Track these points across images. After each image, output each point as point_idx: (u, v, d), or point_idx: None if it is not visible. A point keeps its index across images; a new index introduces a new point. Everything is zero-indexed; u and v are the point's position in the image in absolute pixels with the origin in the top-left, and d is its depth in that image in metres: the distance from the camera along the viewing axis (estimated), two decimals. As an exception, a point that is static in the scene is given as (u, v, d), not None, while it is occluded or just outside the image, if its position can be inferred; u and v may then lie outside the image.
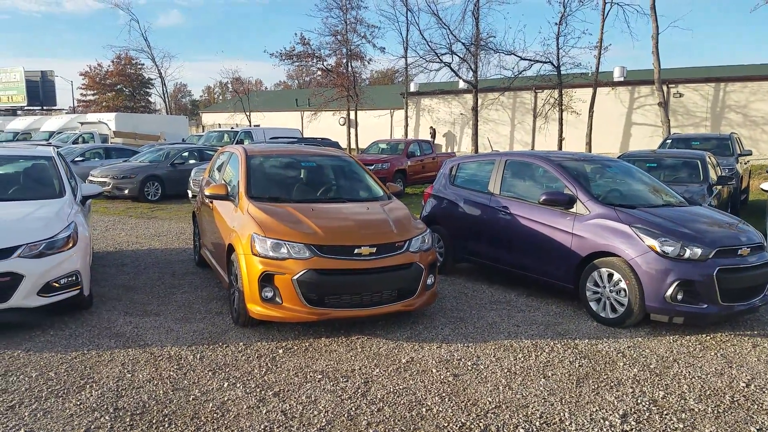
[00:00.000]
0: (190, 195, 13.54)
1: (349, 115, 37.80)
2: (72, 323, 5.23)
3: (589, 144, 27.99)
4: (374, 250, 4.92)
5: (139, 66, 56.79)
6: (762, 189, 8.68)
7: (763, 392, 3.95)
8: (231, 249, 5.35)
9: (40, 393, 3.86)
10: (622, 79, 31.58)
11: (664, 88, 26.02)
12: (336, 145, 17.01)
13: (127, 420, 3.51)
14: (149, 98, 60.02)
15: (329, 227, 5.04)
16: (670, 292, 4.93)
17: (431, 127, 36.34)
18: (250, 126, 43.98)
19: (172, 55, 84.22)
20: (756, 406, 3.73)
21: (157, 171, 15.45)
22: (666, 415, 3.61)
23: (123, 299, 6.05)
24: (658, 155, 10.20)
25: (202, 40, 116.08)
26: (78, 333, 5.01)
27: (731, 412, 3.65)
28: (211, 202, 6.39)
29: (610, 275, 5.33)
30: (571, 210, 5.75)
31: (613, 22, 68.46)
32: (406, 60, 33.99)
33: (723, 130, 28.73)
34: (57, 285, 4.97)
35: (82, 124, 28.40)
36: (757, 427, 3.45)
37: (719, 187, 9.42)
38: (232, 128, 23.47)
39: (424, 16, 43.59)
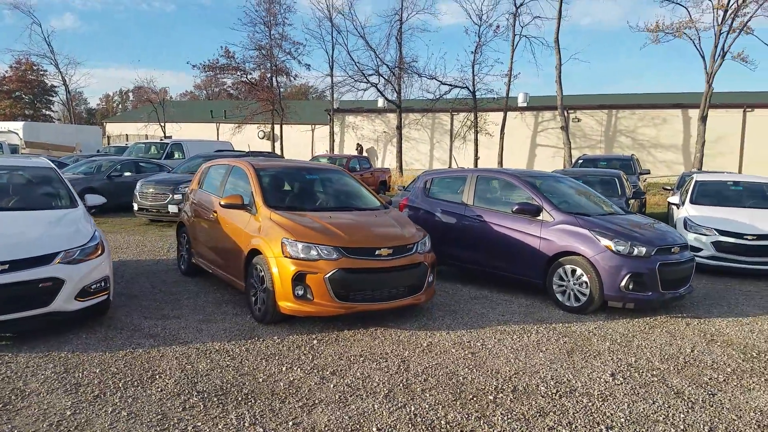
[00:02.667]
0: (135, 208, 13.45)
1: (273, 129, 37.96)
2: (99, 327, 5.50)
3: (500, 163, 30.23)
4: (391, 251, 5.70)
5: (41, 72, 53.19)
6: (669, 202, 10.38)
7: (704, 355, 5.14)
8: (253, 254, 5.89)
9: (115, 384, 4.23)
10: (525, 104, 34.37)
11: (566, 113, 28.74)
12: (280, 158, 17.44)
13: (215, 399, 4.02)
14: (51, 106, 56.20)
15: (352, 232, 5.76)
16: (624, 282, 6.12)
17: (358, 144, 37.38)
18: (164, 137, 42.83)
19: (77, 61, 79.27)
20: (702, 364, 4.91)
21: (93, 183, 15.03)
22: (642, 372, 4.68)
23: (131, 305, 6.32)
24: (583, 173, 11.75)
25: (98, 46, 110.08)
26: (111, 335, 5.31)
27: (687, 368, 4.79)
28: (215, 213, 6.85)
29: (573, 271, 6.45)
30: (538, 218, 6.84)
31: (521, 53, 73.32)
32: (332, 78, 34.91)
33: (615, 151, 32.18)
34: (91, 290, 5.25)
35: (-14, 133, 26.43)
36: (707, 378, 4.60)
37: (632, 200, 11.09)
38: (161, 139, 22.97)
39: (351, 38, 45.03)
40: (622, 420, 3.82)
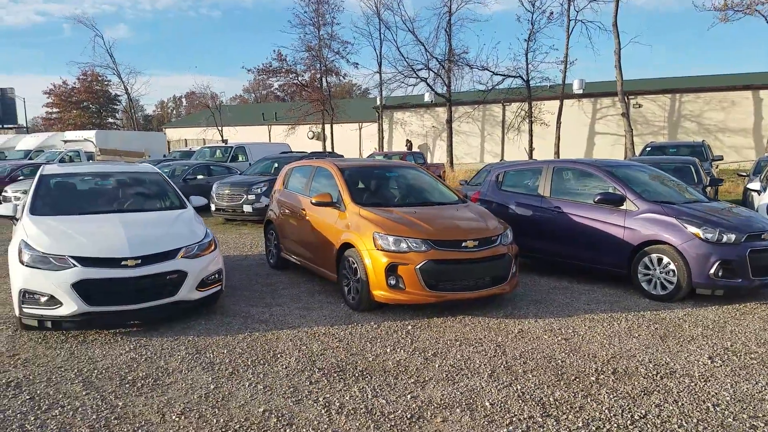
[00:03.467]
0: (213, 208, 14.19)
1: (324, 128, 38.73)
2: (214, 315, 6.03)
3: (557, 153, 29.75)
4: (476, 243, 5.97)
5: (105, 82, 56.10)
6: (748, 188, 10.15)
7: (801, 340, 5.18)
8: (345, 247, 6.29)
9: (245, 362, 4.70)
10: (581, 91, 33.61)
11: (626, 99, 28.00)
12: (341, 157, 17.97)
13: (335, 375, 4.41)
14: (116, 115, 59.18)
15: (438, 225, 6.07)
16: (713, 270, 6.16)
17: (408, 140, 37.65)
18: (222, 140, 44.40)
19: (137, 71, 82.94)
20: (800, 348, 4.96)
21: (173, 187, 15.93)
22: (739, 355, 4.78)
23: (235, 296, 6.83)
24: (656, 161, 11.60)
25: (151, 54, 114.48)
26: (228, 321, 5.83)
27: (785, 352, 4.85)
28: (304, 211, 7.30)
29: (660, 259, 6.52)
30: (621, 207, 6.94)
31: (577, 38, 71.56)
32: (380, 75, 35.23)
33: (679, 137, 31.15)
34: (208, 281, 5.78)
35: (65, 142, 28.27)
36: (808, 361, 4.66)
37: (709, 188, 10.90)
38: (224, 143, 23.99)
39: (400, 33, 45.38)
40: (728, 398, 3.96)
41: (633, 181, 7.28)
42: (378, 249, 5.85)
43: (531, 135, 30.76)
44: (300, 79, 38.43)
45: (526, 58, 30.52)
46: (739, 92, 30.30)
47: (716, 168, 16.89)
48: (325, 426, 3.64)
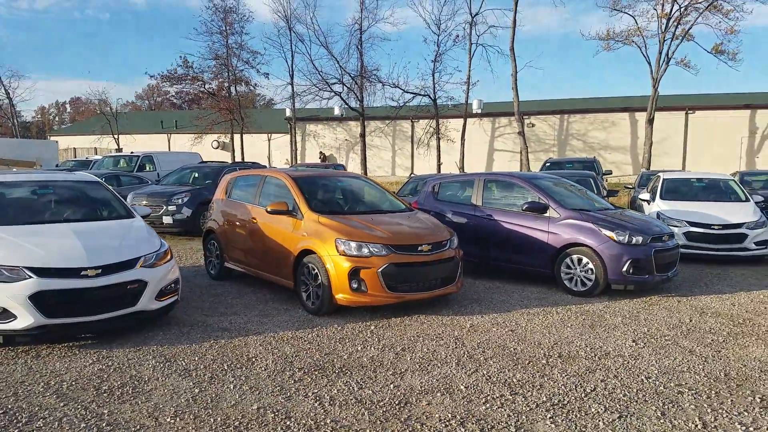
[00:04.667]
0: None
1: (233, 138, 37.96)
2: (170, 326, 5.97)
3: (462, 168, 31.41)
4: (430, 247, 6.45)
5: (-20, 85, 50.86)
6: (639, 198, 11.55)
7: (702, 324, 6.12)
8: (304, 254, 6.52)
9: (221, 368, 4.79)
10: (480, 110, 35.74)
11: (521, 119, 30.18)
12: (263, 168, 17.90)
13: (317, 373, 4.65)
14: (-6, 121, 53.86)
15: (395, 231, 6.48)
16: (625, 268, 7.08)
17: (321, 152, 37.90)
18: (118, 149, 42.05)
19: (21, 74, 75.84)
20: (702, 330, 5.88)
21: (79, 198, 15.07)
22: (656, 338, 5.60)
23: (184, 306, 6.76)
24: (563, 175, 12.79)
25: (29, 57, 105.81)
26: (186, 331, 5.82)
27: (691, 334, 5.75)
28: (255, 220, 7.41)
29: (580, 260, 7.37)
30: (545, 215, 7.74)
31: (478, 61, 75.50)
32: (293, 86, 35.29)
33: (567, 154, 34.01)
34: (166, 290, 5.76)
35: (-61, 149, 25.47)
36: (710, 340, 5.56)
37: (607, 198, 12.23)
38: (132, 153, 22.90)
39: (314, 47, 45.57)
40: (656, 371, 4.70)
41: (553, 192, 8.15)
42: (340, 254, 6.14)
43: (439, 151, 32.23)
44: (207, 87, 37.44)
45: (433, 78, 32.08)
46: (618, 114, 33.73)
47: (606, 181, 18.83)
48: (323, 416, 3.89)
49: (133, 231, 6.05)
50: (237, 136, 37.35)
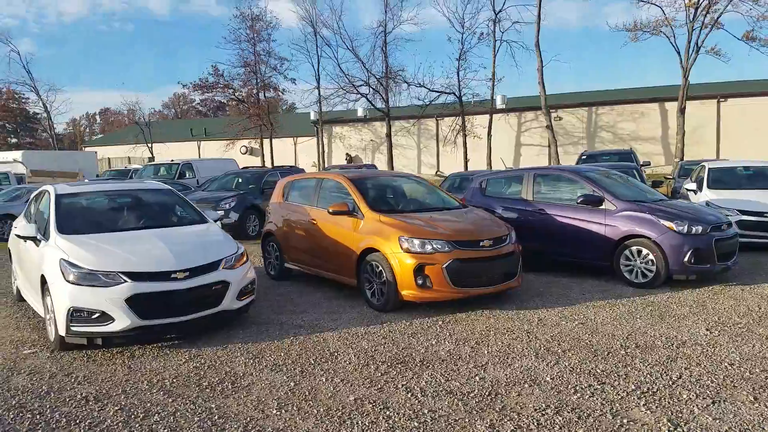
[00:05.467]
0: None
1: (262, 143, 38.52)
2: (246, 324, 6.21)
3: (489, 165, 31.35)
4: (491, 242, 6.57)
5: (22, 100, 52.53)
6: (687, 188, 11.47)
7: (769, 311, 6.15)
8: (366, 252, 6.69)
9: (308, 362, 4.99)
10: (504, 106, 35.58)
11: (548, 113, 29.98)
12: (302, 171, 18.17)
13: (400, 366, 4.81)
14: (35, 134, 55.58)
15: (456, 228, 6.62)
16: (687, 258, 7.10)
17: (347, 154, 38.22)
18: (152, 156, 42.98)
19: (57, 87, 78.16)
20: (772, 318, 5.91)
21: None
22: (730, 326, 5.63)
23: (256, 307, 6.86)
24: (607, 168, 12.76)
25: (61, 70, 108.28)
26: (264, 329, 6.04)
27: (764, 321, 5.77)
28: (314, 221, 7.63)
29: (639, 251, 7.41)
30: (601, 207, 7.79)
31: (503, 57, 75.35)
32: (319, 90, 35.66)
33: (596, 146, 33.70)
34: (245, 291, 5.99)
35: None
36: (782, 327, 5.59)
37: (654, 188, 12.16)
38: (171, 161, 23.43)
39: (340, 51, 46.09)
40: (737, 358, 4.75)
41: (607, 184, 8.18)
42: (404, 251, 6.30)
43: (465, 148, 32.25)
44: (237, 94, 38.10)
45: (458, 76, 32.14)
46: (647, 104, 33.30)
47: (645, 173, 18.64)
48: (419, 406, 4.05)
49: (210, 235, 6.30)
50: (265, 141, 37.85)
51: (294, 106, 53.40)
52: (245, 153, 41.12)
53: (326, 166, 34.82)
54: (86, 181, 10.84)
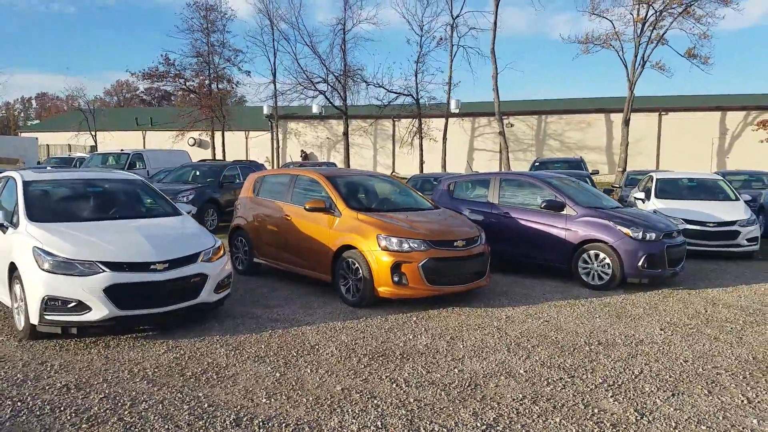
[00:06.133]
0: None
1: (213, 136, 37.73)
2: (223, 318, 6.21)
3: (444, 167, 31.95)
4: (464, 242, 6.83)
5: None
6: (635, 197, 12.15)
7: (717, 314, 6.64)
8: (344, 249, 6.81)
9: (291, 354, 5.08)
10: (457, 110, 36.25)
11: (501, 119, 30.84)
12: (263, 167, 17.99)
13: (381, 359, 4.98)
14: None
15: (432, 228, 6.84)
16: (641, 262, 7.59)
17: (303, 151, 37.98)
18: (95, 145, 41.39)
19: None
20: (719, 319, 6.39)
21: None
22: (681, 327, 6.09)
23: (228, 300, 6.95)
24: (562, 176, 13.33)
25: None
26: (240, 322, 6.07)
27: (711, 323, 6.26)
28: (288, 217, 7.67)
29: (597, 255, 7.85)
30: (563, 212, 8.20)
31: (459, 62, 76.48)
32: (275, 85, 35.33)
33: (545, 154, 34.92)
34: (223, 284, 6.00)
35: None
36: (730, 328, 6.07)
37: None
38: (122, 150, 22.63)
39: (298, 46, 45.34)
40: (690, 356, 5.17)
41: (568, 190, 8.61)
42: (382, 249, 6.47)
43: (422, 150, 32.73)
44: (189, 84, 37.18)
45: (416, 79, 32.57)
46: (594, 114, 34.74)
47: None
48: (404, 395, 4.23)
49: (187, 227, 6.26)
50: (216, 134, 37.11)
51: (244, 99, 52.51)
52: (193, 145, 40.08)
53: (287, 162, 34.50)
54: (48, 168, 10.44)
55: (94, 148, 40.80)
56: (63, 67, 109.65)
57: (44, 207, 5.96)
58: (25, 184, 6.13)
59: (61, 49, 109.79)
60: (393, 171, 37.17)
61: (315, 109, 37.32)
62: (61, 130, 45.96)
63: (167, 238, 5.79)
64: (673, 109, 32.76)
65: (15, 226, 5.66)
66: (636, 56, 28.36)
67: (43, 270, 5.04)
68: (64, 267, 5.05)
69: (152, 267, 5.29)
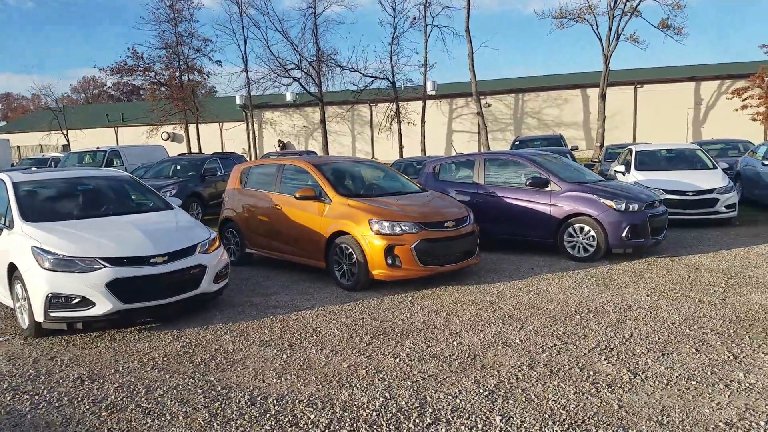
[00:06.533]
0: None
1: (188, 129, 37.30)
2: (223, 307, 6.33)
3: (423, 151, 32.08)
4: (454, 223, 7.02)
5: None
6: (615, 170, 12.45)
7: (699, 279, 6.92)
8: (336, 235, 6.95)
9: (294, 337, 5.22)
10: (434, 92, 36.25)
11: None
12: (243, 158, 17.96)
13: (383, 337, 5.15)
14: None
15: (422, 210, 7.01)
16: (624, 233, 7.86)
17: (280, 140, 37.78)
18: (67, 144, 40.69)
19: None
20: (702, 283, 6.68)
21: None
22: (666, 292, 6.36)
23: (225, 290, 7.07)
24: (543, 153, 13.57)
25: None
26: (240, 310, 6.20)
27: (695, 287, 6.55)
28: (278, 206, 7.77)
29: (582, 228, 8.10)
30: (547, 189, 8.42)
31: (434, 43, 76.01)
32: (247, 73, 34.91)
33: (523, 132, 35.26)
34: (220, 275, 6.10)
35: None
36: (713, 290, 6.37)
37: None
38: (98, 148, 22.32)
39: (269, 33, 44.40)
40: (677, 318, 5.43)
41: (552, 167, 8.83)
42: (375, 233, 6.62)
43: (400, 134, 32.73)
44: (159, 77, 36.60)
45: (391, 61, 32.37)
46: (570, 90, 35.03)
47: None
48: (408, 369, 4.41)
49: (181, 220, 6.33)
50: (190, 127, 36.67)
51: (215, 90, 51.73)
52: (167, 139, 39.55)
53: (266, 153, 34.32)
54: (33, 169, 10.36)
55: (66, 147, 40.10)
56: (24, 66, 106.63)
57: (37, 207, 5.99)
58: (15, 185, 6.14)
59: (21, 47, 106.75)
60: (372, 157, 37.20)
61: (289, 98, 37.04)
62: (31, 131, 45.04)
63: (163, 231, 5.87)
64: (648, 82, 33.19)
65: (9, 227, 5.68)
66: (610, 29, 28.56)
67: (44, 268, 5.10)
68: (65, 264, 5.12)
69: (152, 260, 5.38)
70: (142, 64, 36.82)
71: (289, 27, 41.28)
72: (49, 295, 5.05)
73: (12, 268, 5.46)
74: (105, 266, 5.17)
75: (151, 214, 6.42)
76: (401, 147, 32.73)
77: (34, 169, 9.66)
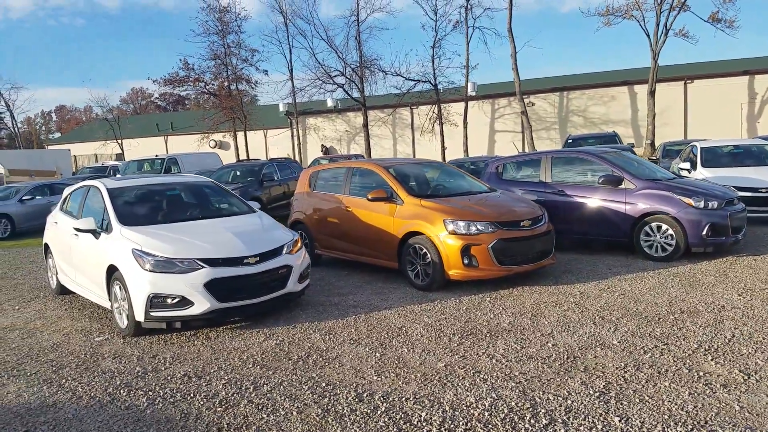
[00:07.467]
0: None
1: (236, 136, 38.15)
2: (305, 306, 6.44)
3: (466, 152, 31.87)
4: (530, 222, 6.95)
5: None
6: (680, 168, 12.09)
7: (785, 277, 6.70)
8: (410, 235, 6.98)
9: (383, 337, 5.25)
10: (474, 93, 36.02)
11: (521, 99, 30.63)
12: (297, 164, 18.31)
13: (471, 337, 5.14)
14: (-2, 134, 53.57)
15: (497, 210, 6.97)
16: (705, 231, 7.62)
17: (323, 145, 38.22)
18: (122, 152, 42.13)
19: (20, 85, 75.44)
20: (791, 282, 6.45)
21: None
22: (757, 291, 6.14)
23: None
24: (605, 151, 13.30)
25: (7, 67, 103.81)
26: (322, 310, 6.30)
27: (785, 285, 6.32)
28: (348, 208, 7.86)
29: (659, 227, 7.89)
30: (620, 187, 8.25)
31: (476, 44, 75.44)
32: (293, 81, 35.48)
33: (569, 131, 34.61)
34: (303, 275, 6.21)
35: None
36: (803, 289, 6.13)
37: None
38: (156, 156, 23.08)
39: (314, 41, 45.56)
40: (777, 318, 5.25)
41: (624, 164, 8.65)
42: (450, 233, 6.61)
43: (443, 136, 32.67)
44: (208, 87, 37.61)
45: (433, 64, 32.40)
46: (617, 87, 34.18)
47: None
48: (508, 369, 4.38)
49: (266, 223, 6.49)
50: (237, 134, 37.50)
51: (256, 98, 52.81)
52: (215, 147, 40.58)
53: (316, 158, 34.80)
54: (118, 176, 10.77)
55: (120, 156, 41.51)
56: (76, 80, 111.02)
57: (132, 211, 6.22)
58: (110, 191, 6.40)
59: (72, 62, 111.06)
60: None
61: (330, 103, 37.50)
62: (86, 141, 46.85)
63: (252, 233, 6.02)
64: (699, 77, 32.12)
65: (108, 231, 5.92)
66: (658, 25, 27.86)
67: (145, 270, 5.29)
68: (165, 266, 5.30)
69: (245, 261, 5.52)
70: (193, 74, 37.97)
71: (333, 35, 41.76)
72: (151, 295, 5.24)
73: (111, 270, 5.68)
74: (203, 267, 5.34)
75: (238, 217, 6.59)
76: (443, 148, 32.64)
77: (119, 176, 10.01)
